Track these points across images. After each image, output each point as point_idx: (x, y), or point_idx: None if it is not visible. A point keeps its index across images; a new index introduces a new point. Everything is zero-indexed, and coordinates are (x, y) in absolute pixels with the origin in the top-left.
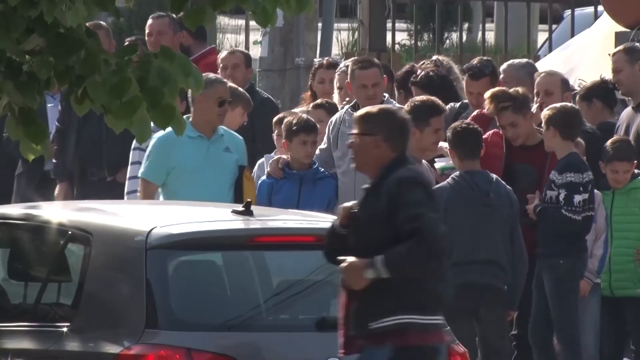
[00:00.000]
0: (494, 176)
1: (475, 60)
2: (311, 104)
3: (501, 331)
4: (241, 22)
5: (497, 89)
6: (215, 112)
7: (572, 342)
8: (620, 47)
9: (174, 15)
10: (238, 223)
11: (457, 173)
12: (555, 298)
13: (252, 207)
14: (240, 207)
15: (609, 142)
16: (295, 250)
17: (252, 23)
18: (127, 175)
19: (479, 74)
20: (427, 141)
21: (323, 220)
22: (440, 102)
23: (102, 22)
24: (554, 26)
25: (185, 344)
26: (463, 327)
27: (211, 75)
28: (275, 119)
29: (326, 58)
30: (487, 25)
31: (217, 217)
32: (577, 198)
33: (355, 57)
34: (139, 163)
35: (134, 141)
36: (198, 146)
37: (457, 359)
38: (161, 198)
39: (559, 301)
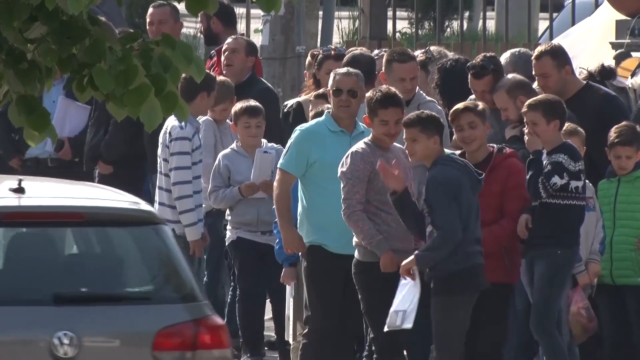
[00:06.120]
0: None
1: (479, 57)
2: (313, 94)
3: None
4: (242, 10)
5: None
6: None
7: (553, 335)
8: (544, 49)
9: (175, 4)
10: (3, 200)
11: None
12: (545, 289)
13: (27, 185)
14: (16, 185)
15: (612, 129)
16: (45, 227)
17: (253, 11)
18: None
19: (481, 72)
20: (377, 131)
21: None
22: (395, 94)
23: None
24: (554, 14)
25: None
26: (465, 303)
27: (341, 70)
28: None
29: (332, 48)
30: (488, 14)
31: None
32: (573, 184)
33: (392, 49)
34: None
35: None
36: (340, 141)
37: None
38: (301, 189)
39: (549, 292)
